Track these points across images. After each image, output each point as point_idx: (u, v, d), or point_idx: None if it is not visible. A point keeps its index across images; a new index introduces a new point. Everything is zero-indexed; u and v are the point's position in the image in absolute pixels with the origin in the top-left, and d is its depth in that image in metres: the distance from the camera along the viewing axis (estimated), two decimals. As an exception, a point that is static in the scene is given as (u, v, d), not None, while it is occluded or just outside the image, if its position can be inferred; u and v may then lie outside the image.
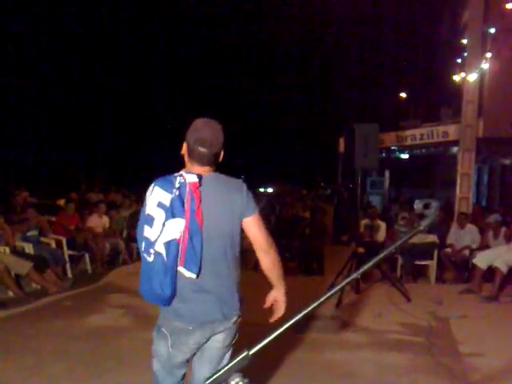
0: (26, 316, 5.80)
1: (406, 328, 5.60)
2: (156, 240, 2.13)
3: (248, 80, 29.31)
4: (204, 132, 2.30)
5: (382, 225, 9.15)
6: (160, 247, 2.13)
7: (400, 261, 8.26)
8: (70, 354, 4.57)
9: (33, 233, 7.56)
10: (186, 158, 2.37)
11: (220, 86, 27.56)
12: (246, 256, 9.58)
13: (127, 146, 24.09)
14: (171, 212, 2.14)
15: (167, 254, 2.13)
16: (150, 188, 2.21)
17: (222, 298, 2.33)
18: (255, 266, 9.25)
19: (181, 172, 2.27)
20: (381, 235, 8.98)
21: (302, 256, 9.14)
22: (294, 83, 30.85)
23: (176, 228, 2.14)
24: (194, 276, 2.20)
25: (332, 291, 1.54)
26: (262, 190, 26.95)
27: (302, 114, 32.65)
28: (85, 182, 13.10)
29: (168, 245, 2.13)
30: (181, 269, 2.18)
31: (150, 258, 2.14)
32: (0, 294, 6.41)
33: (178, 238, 2.14)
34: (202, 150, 2.29)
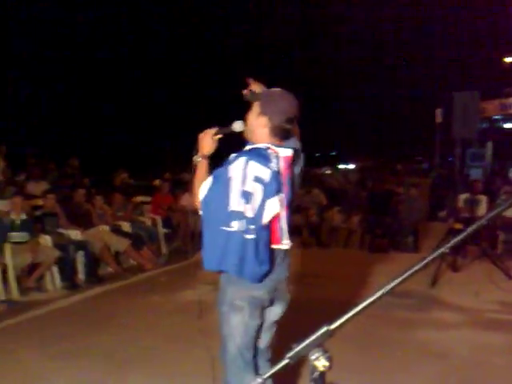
0: (124, 291, 6.12)
1: (504, 307, 5.28)
2: (257, 216, 2.11)
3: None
4: (291, 109, 2.28)
5: (484, 199, 8.54)
6: (262, 223, 2.13)
7: (502, 237, 7.71)
8: (163, 328, 4.74)
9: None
10: (263, 132, 2.30)
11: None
12: (338, 233, 9.49)
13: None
14: (273, 187, 2.13)
15: (268, 230, 2.16)
16: (240, 162, 2.15)
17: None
18: (345, 243, 9.16)
19: (265, 145, 2.23)
20: (481, 210, 8.39)
21: (394, 232, 8.82)
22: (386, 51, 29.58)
23: (278, 203, 2.16)
24: (288, 246, 2.31)
25: (417, 267, 1.38)
26: (342, 166, 25.75)
27: (394, 84, 31.13)
28: (178, 163, 13.50)
29: (271, 220, 2.17)
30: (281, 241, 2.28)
31: (250, 236, 2.10)
32: (100, 270, 6.82)
33: (278, 212, 2.18)
34: (288, 127, 2.29)
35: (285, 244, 2.29)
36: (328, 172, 16.49)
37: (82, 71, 15.26)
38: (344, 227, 9.50)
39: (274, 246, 2.27)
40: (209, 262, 2.23)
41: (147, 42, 15.98)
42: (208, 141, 2.37)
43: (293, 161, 2.32)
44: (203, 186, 2.23)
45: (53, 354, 4.06)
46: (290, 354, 1.30)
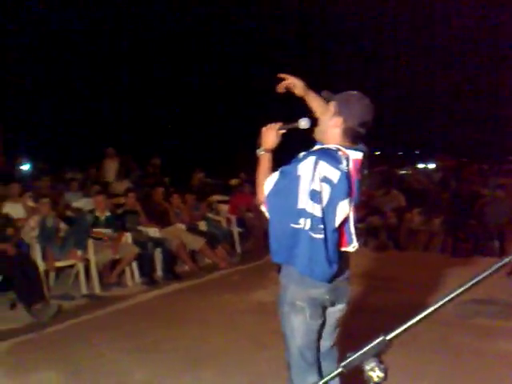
0: (199, 288, 6.25)
1: None
2: (326, 217, 2.12)
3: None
4: (368, 115, 2.27)
5: None
6: (332, 224, 2.14)
7: None
8: (234, 326, 4.79)
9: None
10: (335, 132, 2.29)
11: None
12: (417, 236, 9.12)
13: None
14: (342, 189, 2.13)
15: (337, 231, 2.18)
16: (310, 161, 2.14)
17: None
18: (425, 246, 8.79)
19: (336, 146, 2.22)
20: None
21: (478, 236, 8.35)
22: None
23: (348, 205, 2.18)
24: (355, 249, 2.31)
25: (483, 275, 1.28)
26: (421, 166, 24.55)
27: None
28: (251, 162, 13.54)
29: (340, 222, 2.18)
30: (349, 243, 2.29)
31: (319, 235, 2.10)
32: (177, 267, 7.02)
33: (348, 214, 2.21)
34: (361, 130, 2.28)
35: (352, 247, 2.30)
36: (407, 172, 15.88)
37: (161, 74, 15.80)
38: (424, 230, 9.12)
39: (341, 249, 2.27)
40: (276, 255, 2.26)
41: (225, 44, 16.23)
42: (271, 135, 2.38)
43: (362, 164, 2.31)
44: (268, 181, 2.24)
45: (131, 348, 4.23)
46: (344, 363, 1.26)
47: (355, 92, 2.32)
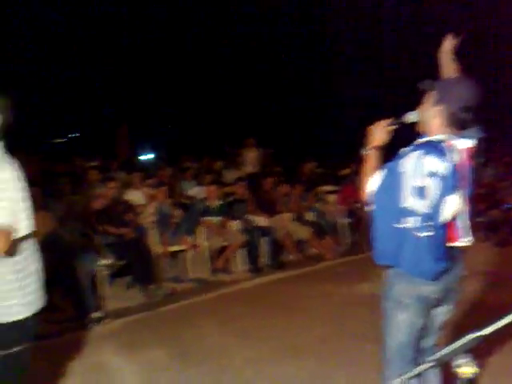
0: (303, 278, 6.29)
1: None
2: (434, 213, 2.04)
3: None
4: (468, 97, 2.14)
5: None
6: (440, 220, 2.07)
7: None
8: (337, 318, 4.75)
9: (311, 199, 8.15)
10: (437, 122, 2.19)
11: None
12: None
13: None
14: (450, 183, 2.04)
15: (445, 227, 2.10)
16: (413, 157, 2.07)
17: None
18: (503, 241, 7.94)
19: (440, 137, 2.13)
20: None
21: None
22: None
23: (457, 199, 2.10)
24: (466, 244, 2.22)
25: None
26: None
27: None
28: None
29: (450, 217, 2.11)
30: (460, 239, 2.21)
31: (425, 233, 2.04)
32: (283, 256, 7.11)
33: (458, 208, 2.13)
34: (464, 116, 2.15)
35: (462, 242, 2.22)
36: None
37: (273, 67, 15.93)
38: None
39: (450, 244, 2.18)
40: (380, 257, 2.23)
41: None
42: (380, 132, 2.33)
43: (475, 152, 2.20)
44: (372, 179, 2.20)
45: (235, 332, 4.40)
46: (434, 358, 1.31)
47: (455, 76, 2.23)
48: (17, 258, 2.17)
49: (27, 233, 2.19)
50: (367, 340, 4.01)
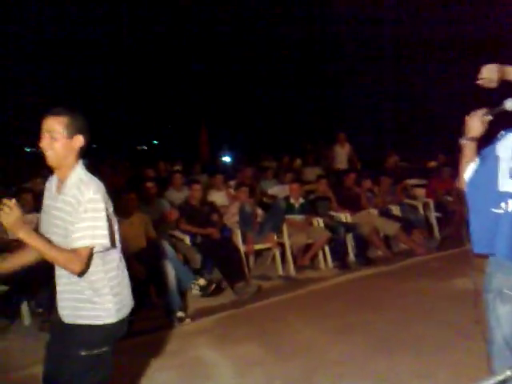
0: (394, 274, 6.06)
1: None
2: None
3: None
4: None
5: None
6: None
7: None
8: (434, 314, 4.56)
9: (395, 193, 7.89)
10: None
11: None
12: None
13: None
14: None
15: None
16: (509, 139, 2.06)
17: None
18: None
19: None
20: None
21: None
22: None
23: None
24: None
25: None
26: None
27: None
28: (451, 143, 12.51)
29: None
30: None
31: None
32: (370, 253, 6.91)
33: None
34: None
35: None
36: None
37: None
38: None
39: None
40: (478, 245, 2.16)
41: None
42: (476, 123, 2.26)
43: None
44: (469, 167, 2.18)
45: (325, 328, 4.33)
46: None
47: None
48: (109, 267, 2.29)
49: (114, 245, 2.29)
50: (466, 336, 3.83)
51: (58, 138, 2.23)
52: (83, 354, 2.22)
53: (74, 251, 2.14)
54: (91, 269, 2.22)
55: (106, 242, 2.19)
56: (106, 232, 2.18)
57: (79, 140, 2.27)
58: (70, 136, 2.25)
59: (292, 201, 6.76)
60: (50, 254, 2.12)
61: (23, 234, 2.06)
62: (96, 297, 2.26)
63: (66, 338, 2.28)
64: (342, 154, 9.83)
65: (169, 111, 15.03)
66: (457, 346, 3.79)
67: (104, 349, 2.27)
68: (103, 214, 2.19)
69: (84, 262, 2.17)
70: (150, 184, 6.33)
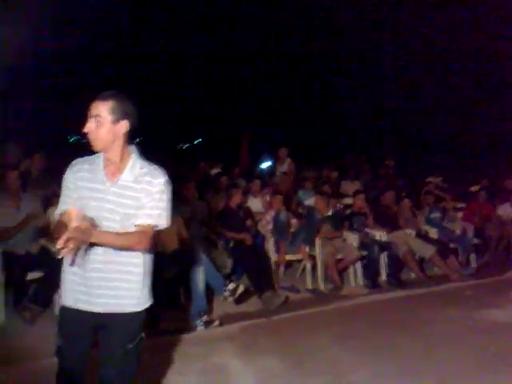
0: (425, 298, 5.91)
1: None
2: None
3: None
4: None
5: None
6: None
7: None
8: (460, 344, 4.42)
9: (435, 215, 7.68)
10: None
11: None
12: None
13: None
14: None
15: None
16: None
17: None
18: None
19: None
20: None
21: None
22: None
23: None
24: None
25: None
26: None
27: None
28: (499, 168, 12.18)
29: None
30: None
31: None
32: (403, 274, 6.78)
33: None
34: None
35: None
36: None
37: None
38: None
39: None
40: None
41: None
42: None
43: None
44: None
45: (352, 347, 4.26)
46: None
47: None
48: (147, 259, 2.38)
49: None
50: (492, 371, 3.75)
51: (104, 123, 2.24)
52: (132, 345, 2.32)
53: (141, 229, 2.25)
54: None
55: (167, 223, 2.31)
56: (167, 214, 2.31)
57: (124, 125, 2.27)
58: (116, 121, 2.25)
59: (325, 213, 6.70)
60: (119, 243, 2.21)
61: (94, 239, 2.10)
62: (146, 278, 2.37)
63: (112, 331, 2.35)
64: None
65: (214, 113, 15.19)
66: (481, 379, 3.68)
67: (138, 339, 2.36)
68: (168, 198, 2.31)
69: (149, 240, 2.28)
70: (190, 185, 6.39)
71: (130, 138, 2.35)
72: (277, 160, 9.26)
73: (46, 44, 11.21)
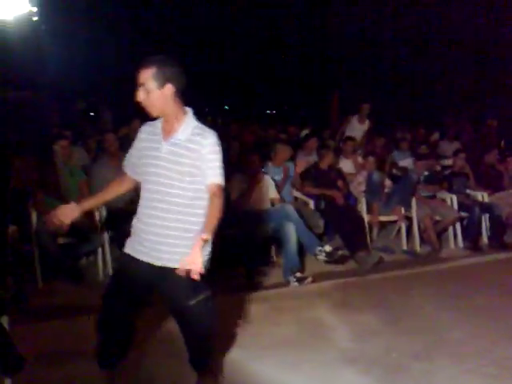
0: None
1: None
2: None
3: None
4: None
5: None
6: None
7: None
8: None
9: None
10: None
11: None
12: None
13: None
14: None
15: None
16: None
17: None
18: None
19: None
20: None
21: None
22: None
23: None
24: None
25: None
26: None
27: None
28: None
29: None
30: None
31: None
32: (506, 237, 6.37)
33: None
34: None
35: None
36: None
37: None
38: None
39: None
40: None
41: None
42: None
43: None
44: None
45: (450, 307, 4.12)
46: None
47: None
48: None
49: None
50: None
51: (150, 90, 2.31)
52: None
53: (215, 187, 2.35)
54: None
55: (222, 181, 2.38)
56: (221, 172, 2.39)
57: (169, 88, 2.32)
58: (161, 86, 2.30)
59: (423, 174, 6.46)
60: (217, 220, 2.31)
61: (209, 234, 2.28)
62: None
63: (168, 287, 2.44)
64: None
65: (302, 76, 14.93)
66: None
67: (205, 295, 2.44)
68: (220, 157, 2.39)
69: (221, 199, 2.36)
70: (285, 147, 6.34)
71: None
72: (359, 117, 8.72)
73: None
